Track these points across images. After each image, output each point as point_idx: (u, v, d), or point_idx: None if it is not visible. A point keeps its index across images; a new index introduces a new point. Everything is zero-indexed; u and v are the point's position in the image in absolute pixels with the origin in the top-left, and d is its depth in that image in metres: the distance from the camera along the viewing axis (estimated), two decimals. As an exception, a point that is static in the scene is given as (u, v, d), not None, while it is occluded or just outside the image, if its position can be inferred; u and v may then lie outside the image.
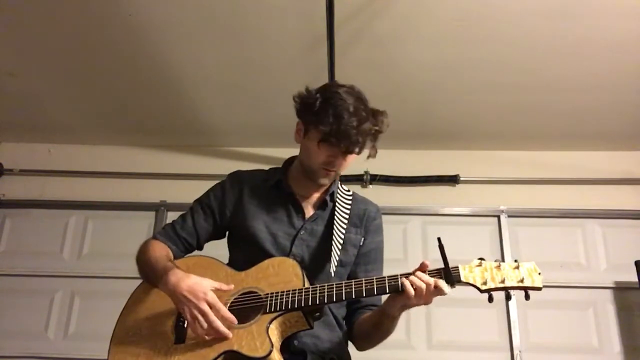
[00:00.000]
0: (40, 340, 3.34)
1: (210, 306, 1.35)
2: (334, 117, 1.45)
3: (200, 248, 1.70)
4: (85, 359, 3.23)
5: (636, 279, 3.06)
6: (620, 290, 3.31)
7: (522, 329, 3.25)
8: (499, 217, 3.51)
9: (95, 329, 3.25)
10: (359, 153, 1.52)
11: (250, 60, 2.89)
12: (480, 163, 3.67)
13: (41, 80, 3.15)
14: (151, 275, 1.51)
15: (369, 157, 1.56)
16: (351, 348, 1.62)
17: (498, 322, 3.28)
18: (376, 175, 3.63)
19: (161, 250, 1.59)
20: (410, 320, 3.26)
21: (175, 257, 1.61)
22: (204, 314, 1.33)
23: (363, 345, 1.60)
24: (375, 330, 1.52)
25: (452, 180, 3.62)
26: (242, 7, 2.54)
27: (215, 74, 3.03)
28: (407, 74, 2.97)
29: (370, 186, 3.62)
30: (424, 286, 1.30)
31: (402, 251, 3.43)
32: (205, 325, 1.33)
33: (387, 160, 3.66)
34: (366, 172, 3.63)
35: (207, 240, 1.70)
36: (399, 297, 1.35)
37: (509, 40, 2.68)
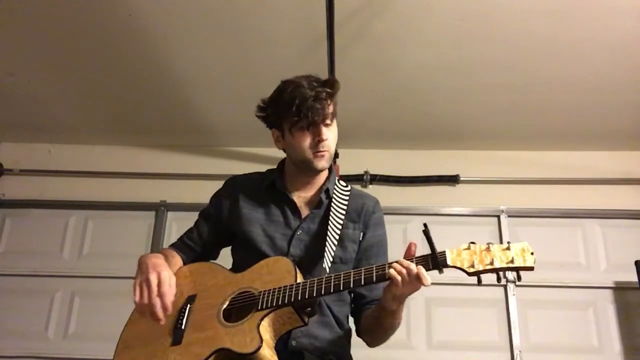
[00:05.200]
0: (40, 340, 3.35)
1: (160, 282, 1.38)
2: (292, 100, 1.50)
3: (213, 257, 1.72)
4: (85, 359, 3.24)
5: (636, 279, 3.06)
6: (620, 290, 3.32)
7: (522, 329, 3.25)
8: (499, 217, 3.51)
9: (95, 329, 3.26)
10: (331, 119, 1.56)
11: (250, 60, 2.89)
12: (480, 163, 3.67)
13: (41, 80, 3.15)
14: None
15: (334, 117, 1.58)
16: (354, 348, 1.62)
17: (498, 322, 3.28)
18: (376, 175, 3.63)
19: (167, 250, 1.67)
20: (410, 320, 3.26)
21: (185, 264, 1.65)
22: (148, 284, 1.38)
23: (370, 341, 1.60)
24: (377, 326, 1.52)
25: (452, 180, 3.62)
26: (242, 7, 2.54)
27: (215, 74, 3.03)
28: (407, 74, 2.97)
29: (370, 186, 3.63)
30: (404, 271, 1.30)
31: (402, 251, 3.40)
32: (145, 294, 1.37)
33: (387, 160, 3.70)
34: (366, 172, 3.63)
35: (216, 247, 1.73)
36: (390, 287, 1.35)
37: (509, 40, 2.68)
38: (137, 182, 3.72)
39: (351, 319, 1.65)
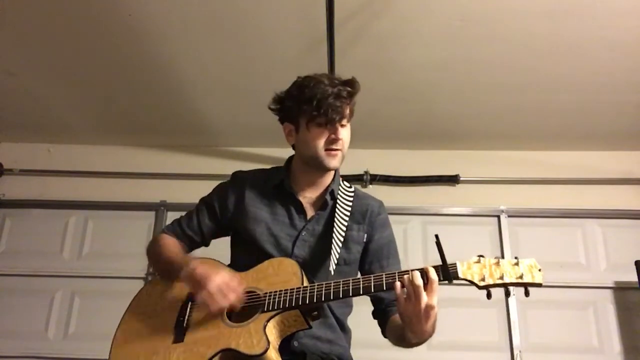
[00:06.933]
0: (40, 340, 3.34)
1: (222, 284, 1.36)
2: (313, 96, 1.50)
3: (206, 245, 1.72)
4: (85, 359, 3.23)
5: (636, 279, 3.07)
6: (620, 290, 3.32)
7: (522, 329, 3.25)
8: (499, 217, 3.51)
9: (95, 329, 3.25)
10: (348, 119, 1.56)
11: (251, 60, 2.89)
12: (480, 163, 3.67)
13: (41, 80, 3.15)
14: (169, 267, 1.53)
15: (350, 118, 1.58)
16: (354, 348, 1.62)
17: (498, 322, 3.29)
18: (376, 175, 3.63)
19: (176, 245, 1.62)
20: (410, 320, 3.26)
21: None
22: (210, 296, 1.35)
23: (398, 346, 1.55)
24: (403, 342, 1.45)
25: (452, 180, 3.62)
26: (242, 7, 2.54)
27: (215, 74, 3.03)
28: (407, 74, 2.97)
29: (370, 186, 3.62)
30: (411, 288, 1.26)
31: (402, 251, 3.34)
32: (212, 305, 1.35)
33: (387, 160, 3.70)
34: (366, 172, 3.63)
35: (212, 238, 1.72)
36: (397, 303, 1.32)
37: (509, 40, 2.68)
38: (137, 182, 3.72)
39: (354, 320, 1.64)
